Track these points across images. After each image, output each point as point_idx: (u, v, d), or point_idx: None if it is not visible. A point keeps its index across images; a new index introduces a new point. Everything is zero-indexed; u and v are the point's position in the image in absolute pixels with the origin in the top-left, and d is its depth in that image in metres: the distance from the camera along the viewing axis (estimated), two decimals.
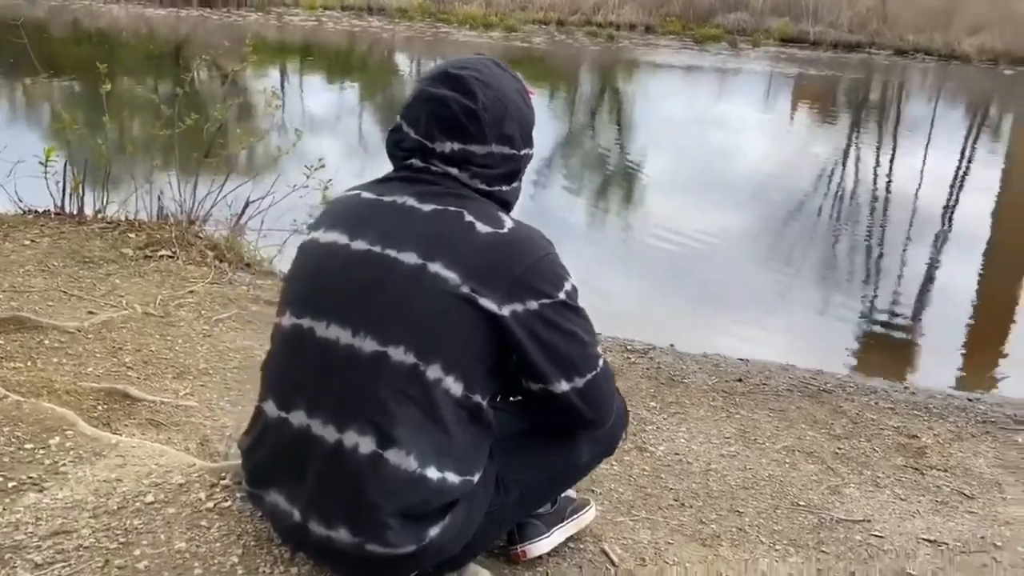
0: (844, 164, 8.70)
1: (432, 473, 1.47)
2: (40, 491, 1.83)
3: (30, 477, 1.87)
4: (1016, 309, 5.05)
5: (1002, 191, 8.00)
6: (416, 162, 1.57)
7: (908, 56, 17.16)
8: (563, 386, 1.53)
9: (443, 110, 1.54)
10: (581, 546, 1.95)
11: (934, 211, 7.14)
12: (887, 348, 4.44)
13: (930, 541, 2.17)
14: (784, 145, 9.60)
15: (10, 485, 1.84)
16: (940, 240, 6.31)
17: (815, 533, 2.16)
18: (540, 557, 1.84)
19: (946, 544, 2.16)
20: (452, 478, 1.49)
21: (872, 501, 2.38)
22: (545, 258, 1.52)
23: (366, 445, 1.44)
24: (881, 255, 5.83)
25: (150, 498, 1.81)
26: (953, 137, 10.74)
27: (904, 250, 6.00)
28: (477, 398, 1.51)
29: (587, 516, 1.96)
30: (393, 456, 1.44)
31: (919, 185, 7.91)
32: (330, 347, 1.48)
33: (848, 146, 9.73)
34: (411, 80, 13.04)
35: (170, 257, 3.44)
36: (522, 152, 1.62)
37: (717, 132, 9.82)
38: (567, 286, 1.52)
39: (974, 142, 10.64)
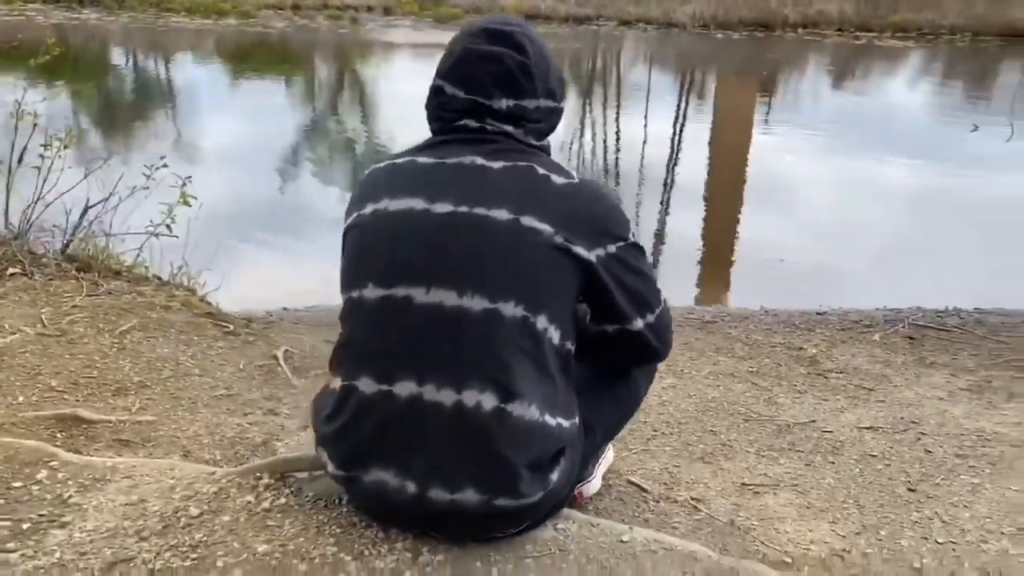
0: (581, 128, 9.15)
1: (550, 420, 1.51)
2: (61, 527, 1.64)
3: (41, 515, 1.66)
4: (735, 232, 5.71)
5: (712, 139, 8.97)
6: (470, 122, 1.58)
7: (632, 26, 18.51)
8: (639, 323, 1.62)
9: (498, 67, 1.56)
10: (610, 482, 2.06)
11: (661, 162, 7.75)
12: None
13: (868, 428, 2.50)
14: None
15: (24, 527, 1.63)
16: (668, 188, 6.92)
17: (782, 437, 2.42)
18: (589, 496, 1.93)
19: (881, 428, 2.50)
20: (563, 423, 1.55)
21: (803, 405, 2.69)
22: (615, 204, 1.60)
23: (488, 401, 1.46)
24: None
25: (194, 511, 1.69)
26: (669, 97, 11.77)
27: (639, 200, 6.52)
28: (568, 345, 1.57)
29: (611, 454, 2.07)
30: (516, 408, 1.47)
31: (645, 141, 8.53)
32: (435, 311, 1.47)
33: (583, 113, 10.24)
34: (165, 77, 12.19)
35: (23, 275, 3.07)
36: (561, 105, 1.68)
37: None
38: (632, 228, 1.61)
39: (687, 99, 11.70)
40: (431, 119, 1.64)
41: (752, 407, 2.64)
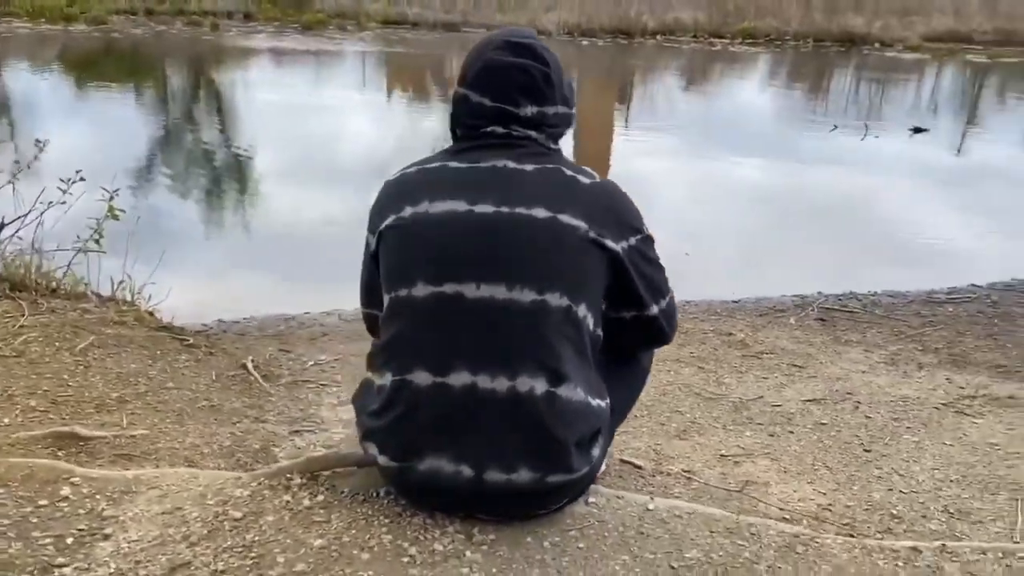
0: (443, 141, 9.09)
1: (592, 401, 1.65)
2: (105, 539, 1.64)
3: (80, 530, 1.66)
4: None
5: (576, 142, 9.24)
6: (497, 128, 1.70)
7: None
8: (653, 309, 1.78)
9: (524, 77, 1.68)
10: (605, 462, 2.20)
11: None
12: None
13: (811, 400, 2.76)
14: (390, 123, 9.74)
15: (68, 542, 1.61)
16: None
17: (739, 412, 2.65)
18: None
19: (822, 400, 2.77)
20: (601, 404, 1.69)
21: (748, 384, 2.93)
22: (630, 200, 1.75)
23: (540, 386, 1.58)
24: None
25: (237, 514, 1.72)
26: None
27: None
28: (599, 331, 1.71)
29: None
30: (564, 391, 1.60)
31: None
32: (487, 305, 1.58)
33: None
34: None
35: None
36: (573, 111, 1.81)
37: (328, 116, 9.69)
38: (645, 222, 1.77)
39: None
40: (456, 126, 1.75)
41: (705, 388, 2.86)
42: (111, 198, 3.47)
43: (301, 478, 1.85)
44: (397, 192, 1.71)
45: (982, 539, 1.81)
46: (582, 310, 1.62)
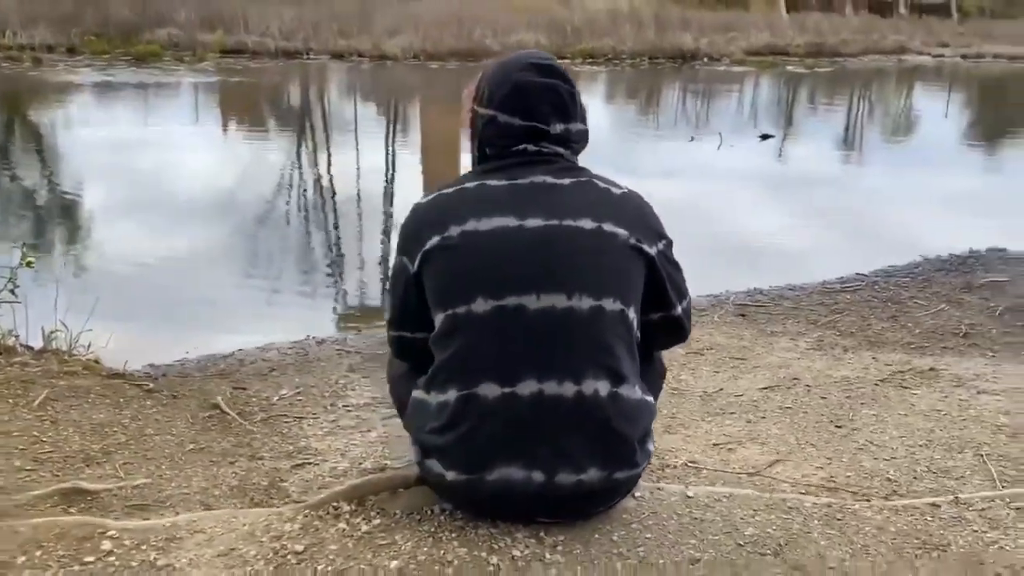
0: (292, 169, 8.68)
1: (646, 398, 1.75)
2: None
3: None
4: None
5: (423, 165, 9.40)
6: (529, 146, 1.77)
7: (345, 59, 18.68)
8: (678, 310, 1.89)
9: (554, 96, 1.77)
10: None
11: (377, 194, 7.71)
12: None
13: (766, 388, 2.96)
14: (228, 156, 9.31)
15: None
16: (387, 219, 6.77)
17: (710, 405, 2.81)
18: None
19: (775, 387, 2.98)
20: (652, 400, 1.79)
21: (704, 378, 3.11)
22: (652, 208, 1.86)
23: (603, 388, 1.65)
24: (339, 241, 6.13)
25: (297, 547, 1.69)
26: (379, 127, 12.00)
27: (361, 234, 6.35)
28: (638, 333, 1.80)
29: None
30: (624, 390, 1.68)
31: (359, 174, 8.51)
32: (548, 314, 1.64)
33: (296, 149, 9.91)
34: None
35: None
36: (587, 127, 1.91)
37: (161, 151, 9.08)
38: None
39: (396, 128, 12.03)
40: (486, 146, 1.80)
41: (668, 385, 2.99)
42: (23, 245, 3.27)
43: (348, 505, 1.84)
44: (437, 214, 1.74)
45: (979, 490, 2.01)
46: (631, 312, 1.72)
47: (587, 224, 1.69)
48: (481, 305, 1.65)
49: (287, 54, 18.73)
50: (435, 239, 1.71)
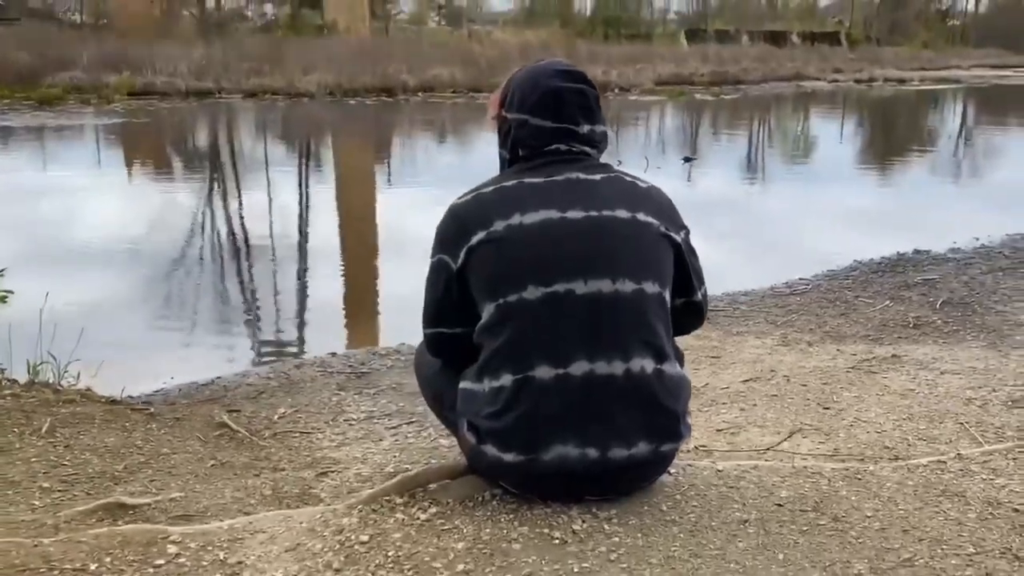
0: (205, 212, 8.33)
1: (686, 374, 1.87)
2: None
3: None
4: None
5: (338, 195, 9.39)
6: (561, 146, 1.89)
7: (259, 97, 18.53)
8: (698, 295, 2.03)
9: (582, 99, 1.90)
10: None
11: (292, 228, 7.53)
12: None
13: (748, 381, 3.13)
14: (138, 201, 8.83)
15: None
16: (304, 252, 6.65)
17: (701, 397, 2.94)
18: None
19: (756, 379, 3.14)
20: (689, 377, 1.90)
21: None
22: (673, 202, 1.99)
23: (649, 365, 1.77)
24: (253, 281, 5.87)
25: (363, 537, 1.74)
26: (291, 166, 11.76)
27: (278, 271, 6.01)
28: (671, 314, 1.92)
29: None
30: (667, 367, 1.80)
31: (277, 208, 8.30)
32: (596, 298, 1.75)
33: (207, 192, 9.49)
34: None
35: None
36: (607, 129, 2.04)
37: (64, 197, 8.57)
38: None
39: (311, 163, 11.94)
40: (519, 147, 1.91)
41: None
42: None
43: (400, 498, 1.89)
44: (478, 212, 1.83)
45: (974, 448, 2.20)
46: (668, 294, 1.85)
47: (623, 214, 1.82)
48: (532, 292, 1.75)
49: (198, 94, 18.49)
50: (480, 234, 1.80)
